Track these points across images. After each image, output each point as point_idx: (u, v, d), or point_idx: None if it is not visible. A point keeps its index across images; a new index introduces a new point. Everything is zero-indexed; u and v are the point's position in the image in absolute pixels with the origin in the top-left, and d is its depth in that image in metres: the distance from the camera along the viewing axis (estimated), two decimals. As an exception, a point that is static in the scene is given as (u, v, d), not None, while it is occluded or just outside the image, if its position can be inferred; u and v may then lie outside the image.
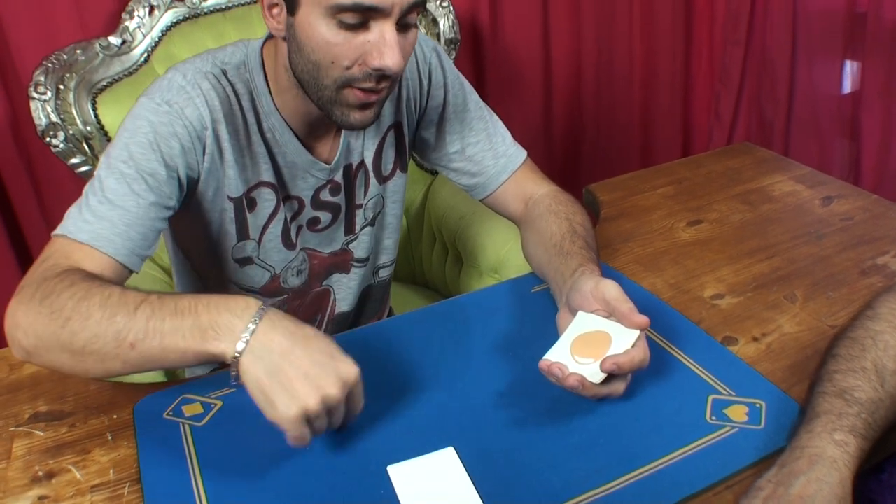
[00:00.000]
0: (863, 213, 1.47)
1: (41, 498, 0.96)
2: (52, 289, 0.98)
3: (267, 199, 1.26)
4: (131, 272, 1.11)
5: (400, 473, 0.94)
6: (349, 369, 0.92)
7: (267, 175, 1.25)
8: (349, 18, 1.03)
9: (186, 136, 1.14)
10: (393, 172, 1.40)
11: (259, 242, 1.30)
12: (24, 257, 2.06)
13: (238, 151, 1.20)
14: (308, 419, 0.89)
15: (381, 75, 1.08)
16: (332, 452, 0.99)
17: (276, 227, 1.29)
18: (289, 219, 1.31)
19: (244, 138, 1.21)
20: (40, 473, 0.99)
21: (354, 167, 1.33)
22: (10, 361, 1.22)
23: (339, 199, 1.34)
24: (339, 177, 1.32)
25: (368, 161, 1.35)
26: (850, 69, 2.70)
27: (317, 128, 1.25)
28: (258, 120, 1.21)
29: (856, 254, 1.35)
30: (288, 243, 1.33)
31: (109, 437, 1.04)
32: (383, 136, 1.35)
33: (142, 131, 1.11)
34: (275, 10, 1.11)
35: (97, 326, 0.94)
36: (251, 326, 0.92)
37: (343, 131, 1.28)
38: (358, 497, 0.93)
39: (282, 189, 1.27)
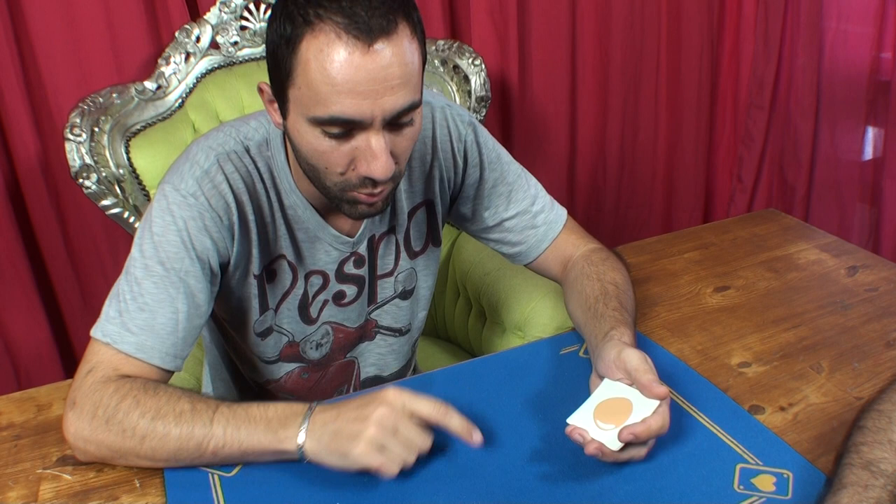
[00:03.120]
0: (887, 284, 1.48)
1: (69, 543, 0.96)
2: (117, 407, 1.04)
3: (285, 273, 1.27)
4: (173, 372, 1.15)
5: None
6: (386, 392, 1.02)
7: (286, 250, 1.25)
8: (332, 129, 1.02)
9: (215, 229, 1.15)
10: (424, 248, 1.39)
11: (276, 311, 1.30)
12: (49, 296, 2.08)
13: (262, 228, 1.21)
14: (379, 447, 0.99)
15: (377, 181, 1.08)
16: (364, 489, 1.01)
17: (293, 301, 1.30)
18: (311, 294, 1.31)
19: (268, 215, 1.22)
20: (67, 518, 1.00)
21: (377, 238, 1.32)
22: (37, 402, 1.23)
23: (363, 271, 1.33)
24: (362, 249, 1.31)
25: (400, 237, 1.34)
26: (871, 136, 2.72)
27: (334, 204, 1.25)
28: (279, 197, 1.22)
29: (881, 325, 1.35)
30: (306, 318, 1.33)
31: (137, 484, 1.05)
32: (413, 212, 1.34)
33: (172, 228, 1.13)
34: (275, 107, 1.11)
35: (177, 442, 1.03)
36: (307, 420, 1.03)
37: None
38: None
39: (301, 265, 1.28)
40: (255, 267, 1.23)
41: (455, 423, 1.02)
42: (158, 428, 1.02)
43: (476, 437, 1.02)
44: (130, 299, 1.11)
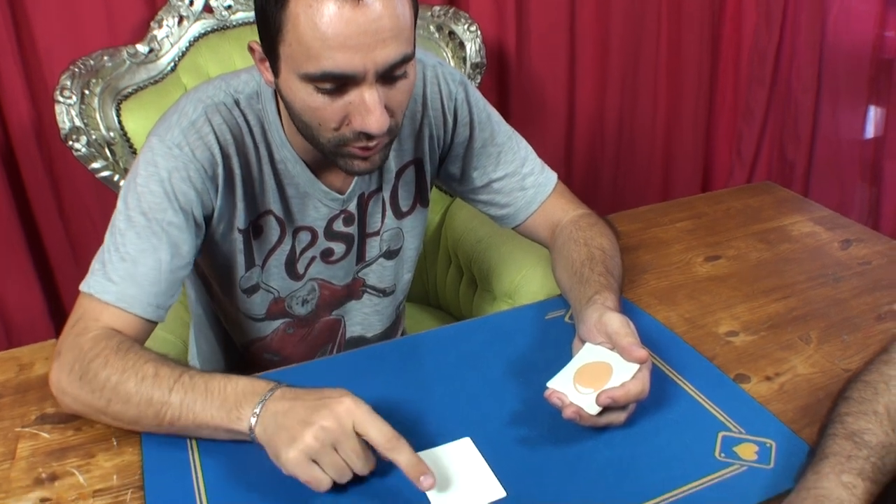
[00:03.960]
0: (880, 258, 1.47)
1: (43, 500, 0.95)
2: (89, 365, 1.03)
3: (272, 228, 1.26)
4: (157, 323, 1.14)
5: None
6: (340, 401, 0.93)
7: (274, 205, 1.24)
8: (324, 85, 1.01)
9: (199, 180, 1.14)
10: (412, 208, 1.38)
11: (262, 268, 1.29)
12: (41, 259, 2.08)
13: (248, 183, 1.20)
14: (311, 459, 0.92)
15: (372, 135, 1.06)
16: None
17: (279, 257, 1.29)
18: (297, 251, 1.30)
19: (255, 169, 1.21)
20: (43, 476, 0.99)
21: (367, 195, 1.31)
22: (20, 361, 1.23)
23: (352, 229, 1.33)
24: (352, 207, 1.30)
25: (386, 195, 1.33)
26: (873, 114, 2.71)
27: (328, 160, 1.24)
28: (269, 151, 1.21)
29: (872, 298, 1.34)
30: (293, 274, 1.32)
31: (114, 443, 1.04)
32: (402, 171, 1.33)
33: (154, 179, 1.12)
34: (266, 65, 1.10)
35: (136, 409, 1.01)
36: (261, 402, 0.97)
37: None
38: (381, 486, 0.95)
39: (290, 221, 1.27)
40: (239, 221, 1.22)
41: (404, 459, 0.92)
42: (121, 391, 1.01)
43: (426, 483, 0.91)
44: (113, 250, 1.11)
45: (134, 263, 1.10)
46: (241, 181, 1.19)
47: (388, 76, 1.03)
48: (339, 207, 1.28)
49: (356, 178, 1.27)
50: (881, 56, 2.60)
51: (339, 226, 1.31)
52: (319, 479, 0.91)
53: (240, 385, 1.00)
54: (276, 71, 1.07)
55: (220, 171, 1.16)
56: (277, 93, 1.13)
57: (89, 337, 1.06)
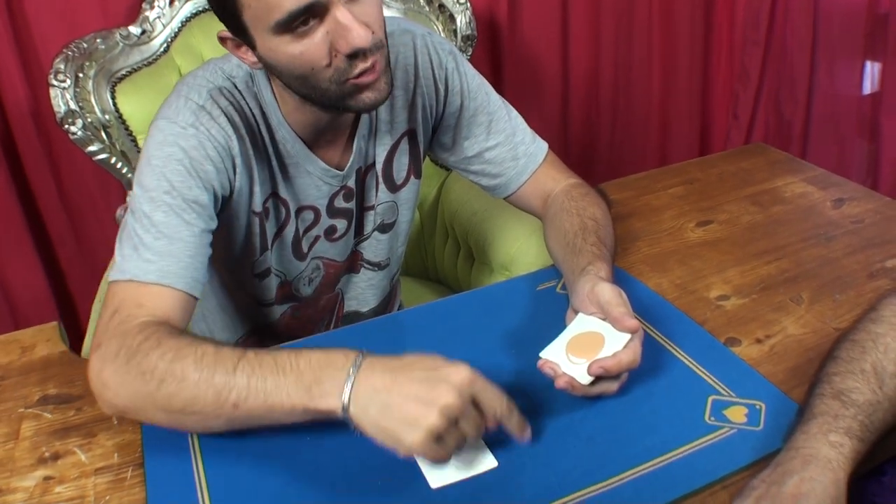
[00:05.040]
0: (874, 216, 1.47)
1: (46, 478, 0.97)
2: (138, 347, 0.97)
3: (280, 209, 1.26)
4: (197, 300, 1.10)
5: None
6: (458, 372, 0.90)
7: (280, 186, 1.24)
8: (297, 27, 1.01)
9: (217, 157, 1.12)
10: (406, 180, 1.39)
11: (271, 249, 1.30)
12: (43, 241, 2.10)
13: (259, 163, 1.20)
14: (438, 437, 0.88)
15: (362, 52, 1.04)
16: (338, 434, 0.98)
17: (286, 238, 1.30)
18: (301, 230, 1.30)
19: (262, 151, 1.20)
20: (47, 454, 1.01)
21: (363, 169, 1.32)
22: (22, 344, 1.24)
23: (352, 204, 1.33)
24: (351, 182, 1.31)
25: (379, 167, 1.34)
26: (870, 70, 2.70)
27: (327, 135, 1.24)
28: (270, 132, 1.21)
29: (864, 256, 1.35)
30: (298, 254, 1.33)
31: (115, 422, 1.06)
32: (396, 142, 1.34)
33: (175, 158, 1.10)
34: (243, 49, 1.10)
35: (195, 388, 0.94)
36: (351, 377, 0.91)
37: (356, 137, 1.27)
38: (374, 460, 0.94)
39: (294, 201, 1.27)
40: (256, 203, 1.22)
41: (514, 422, 0.93)
42: (176, 369, 0.94)
43: (527, 434, 0.95)
44: (143, 232, 1.07)
45: (169, 240, 1.07)
46: (255, 162, 1.19)
47: None
48: (339, 184, 1.29)
49: (355, 152, 1.27)
50: (876, 11, 2.58)
51: (339, 202, 1.32)
52: (444, 456, 0.90)
53: (313, 358, 0.94)
54: (251, 45, 1.07)
55: (236, 151, 1.15)
56: (265, 68, 1.12)
57: (136, 324, 1.00)
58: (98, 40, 1.77)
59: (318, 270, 1.38)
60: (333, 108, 1.13)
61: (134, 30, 1.82)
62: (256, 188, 1.21)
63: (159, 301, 1.04)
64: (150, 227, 1.07)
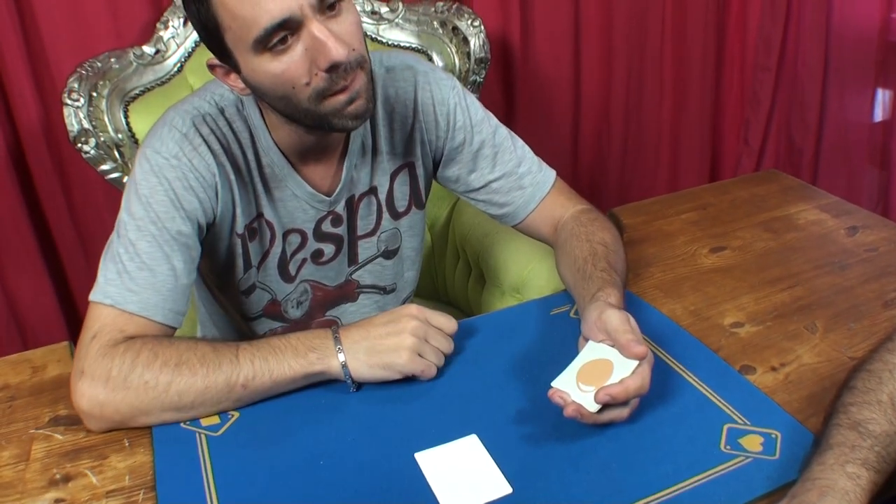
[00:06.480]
0: (888, 244, 1.46)
1: (57, 501, 0.97)
2: (133, 363, 1.05)
3: (265, 231, 1.29)
4: (176, 329, 1.17)
5: (428, 460, 0.99)
6: (408, 308, 1.13)
7: (265, 209, 1.27)
8: (275, 44, 1.04)
9: (200, 188, 1.18)
10: (408, 210, 1.41)
11: (258, 269, 1.32)
12: (52, 259, 2.09)
13: (242, 187, 1.23)
14: (419, 353, 1.10)
15: (342, 68, 1.07)
16: (353, 455, 1.01)
17: (273, 259, 1.32)
18: (288, 253, 1.33)
19: (246, 175, 1.24)
20: (58, 476, 1.01)
21: (357, 198, 1.34)
22: (33, 364, 1.24)
23: (341, 230, 1.35)
24: (340, 208, 1.33)
25: (382, 197, 1.36)
26: (881, 97, 2.70)
27: (315, 158, 1.27)
28: (257, 156, 1.24)
29: (879, 285, 1.34)
30: (285, 276, 1.35)
31: (126, 444, 1.05)
32: (395, 172, 1.36)
33: (160, 189, 1.15)
34: (232, 77, 1.14)
35: (205, 380, 1.05)
36: (336, 339, 1.10)
37: (345, 162, 1.29)
38: (388, 484, 0.97)
39: (280, 224, 1.29)
40: (238, 226, 1.25)
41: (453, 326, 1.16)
42: (184, 371, 1.05)
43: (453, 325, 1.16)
44: (128, 260, 1.12)
45: (152, 272, 1.12)
46: (237, 187, 1.22)
47: (324, 9, 1.05)
48: (326, 209, 1.31)
49: (344, 179, 1.30)
50: (888, 38, 2.59)
51: (327, 227, 1.33)
52: (430, 366, 1.11)
53: (300, 337, 1.11)
54: (236, 67, 1.10)
55: (217, 179, 1.19)
56: (251, 91, 1.14)
57: (121, 345, 1.07)
58: (112, 60, 1.78)
59: (305, 294, 1.39)
60: (318, 127, 1.16)
61: (148, 49, 1.83)
62: (238, 211, 1.24)
63: (139, 329, 1.11)
64: (135, 255, 1.13)
